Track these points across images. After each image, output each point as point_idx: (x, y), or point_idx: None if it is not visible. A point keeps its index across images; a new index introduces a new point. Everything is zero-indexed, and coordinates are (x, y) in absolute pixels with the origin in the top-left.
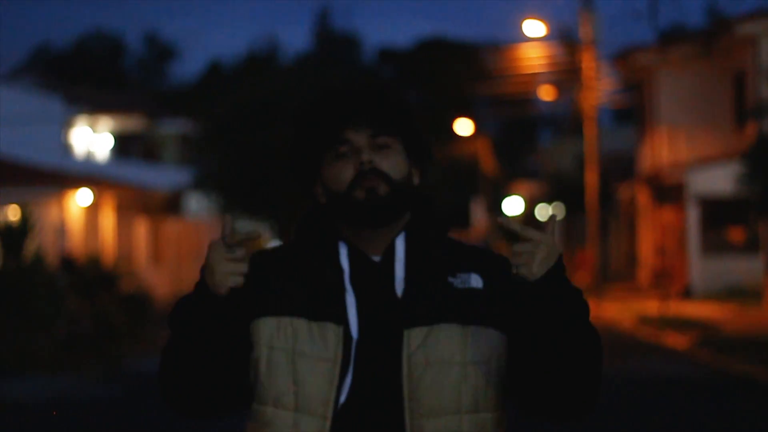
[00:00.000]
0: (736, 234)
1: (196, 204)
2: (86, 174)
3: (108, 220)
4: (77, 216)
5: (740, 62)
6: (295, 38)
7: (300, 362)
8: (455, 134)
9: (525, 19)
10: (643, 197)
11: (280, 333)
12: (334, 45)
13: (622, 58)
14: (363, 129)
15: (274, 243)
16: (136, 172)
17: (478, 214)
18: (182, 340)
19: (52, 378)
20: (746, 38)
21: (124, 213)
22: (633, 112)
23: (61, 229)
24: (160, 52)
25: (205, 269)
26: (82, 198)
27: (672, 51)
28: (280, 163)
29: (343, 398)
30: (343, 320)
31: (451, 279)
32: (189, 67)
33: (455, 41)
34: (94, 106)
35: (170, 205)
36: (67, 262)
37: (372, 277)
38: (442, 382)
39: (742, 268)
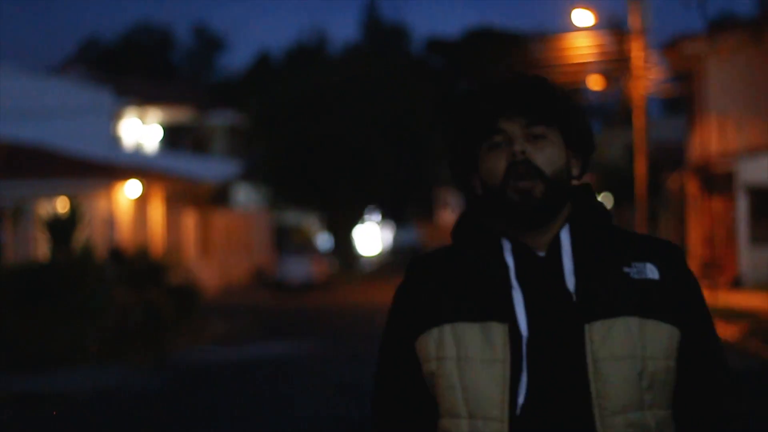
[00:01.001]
0: None
1: (245, 195)
2: (135, 166)
3: (157, 211)
4: (126, 208)
5: None
6: (344, 29)
7: (467, 368)
8: None
9: (574, 8)
10: (692, 187)
11: (444, 342)
12: (382, 36)
13: (671, 47)
14: (517, 118)
15: (321, 234)
16: (184, 164)
17: None
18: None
19: (101, 369)
20: None
21: (172, 204)
22: (682, 102)
23: (110, 221)
24: (209, 43)
25: None
26: (130, 190)
27: (721, 39)
28: (328, 155)
29: (521, 400)
30: (509, 318)
31: (626, 269)
32: (237, 58)
33: (503, 31)
34: (143, 98)
35: (219, 196)
36: (116, 254)
37: (539, 273)
38: (628, 378)
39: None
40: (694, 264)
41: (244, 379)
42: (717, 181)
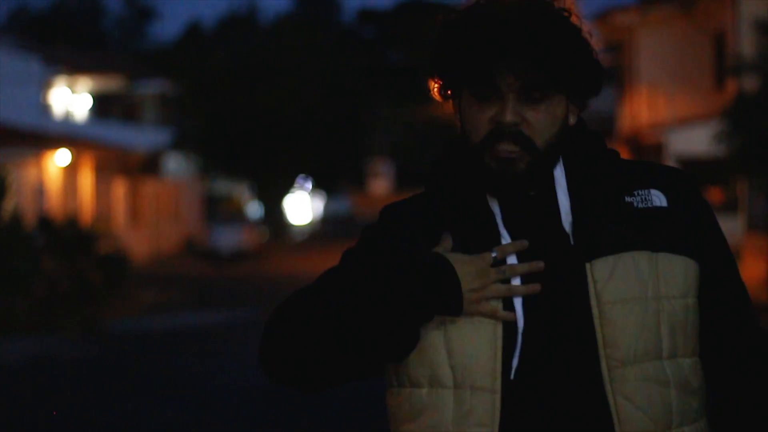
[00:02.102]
0: (714, 194)
1: (175, 164)
2: (65, 134)
3: (86, 180)
4: (55, 176)
5: (720, 22)
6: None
7: (452, 328)
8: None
9: None
10: (622, 157)
11: None
12: (313, 6)
13: (602, 18)
14: (515, 76)
15: (252, 204)
16: (115, 133)
17: None
18: (344, 328)
19: (32, 338)
20: None
21: (102, 173)
22: (613, 73)
23: (39, 190)
24: (140, 12)
25: (449, 288)
26: (60, 158)
27: (652, 11)
28: (259, 124)
29: (515, 362)
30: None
31: (629, 198)
32: (169, 27)
33: (436, 2)
34: (73, 66)
35: (149, 165)
36: (45, 223)
37: (531, 215)
38: (640, 322)
39: (721, 228)
40: None
41: (175, 348)
42: (647, 151)
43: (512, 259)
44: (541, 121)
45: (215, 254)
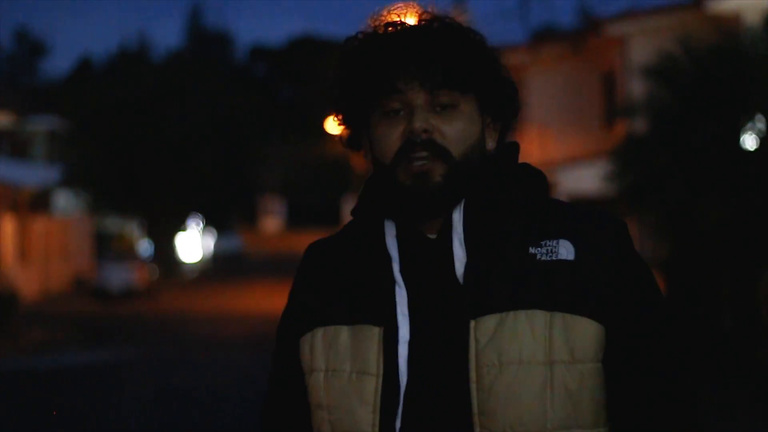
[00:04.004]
0: None
1: (65, 201)
2: None
3: None
4: None
5: (609, 62)
6: (168, 36)
7: (334, 382)
8: (327, 132)
9: None
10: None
11: (315, 350)
12: (206, 42)
13: None
14: (421, 84)
15: (143, 241)
16: (3, 169)
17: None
18: None
19: None
20: (615, 38)
21: None
22: None
23: None
24: (31, 47)
25: None
26: None
27: (542, 50)
28: (148, 161)
29: (398, 424)
30: (384, 319)
31: (533, 249)
32: (59, 63)
33: (326, 39)
34: None
35: (39, 202)
36: None
37: (428, 261)
38: (522, 389)
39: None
40: None
41: (62, 387)
42: None
43: (403, 310)
44: (455, 129)
45: (105, 292)
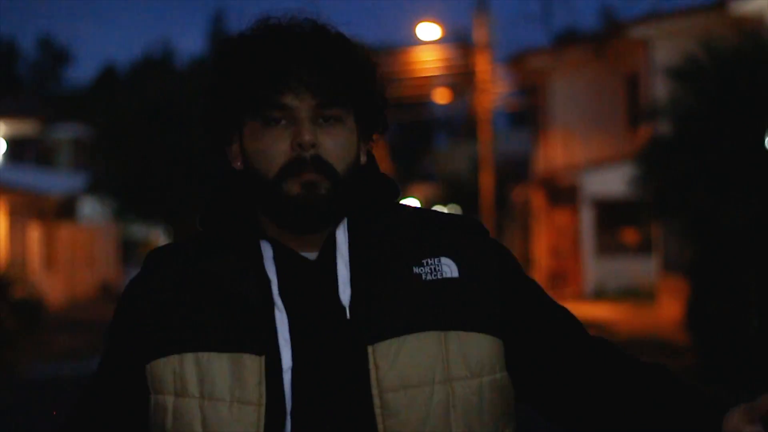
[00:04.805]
0: (629, 235)
1: (91, 209)
2: None
3: (0, 225)
4: None
5: (633, 65)
6: (191, 43)
7: (212, 411)
8: None
9: (419, 21)
10: (537, 199)
11: (185, 375)
12: None
13: (516, 61)
14: (307, 95)
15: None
16: (29, 177)
17: None
18: None
19: None
20: (639, 41)
21: (16, 218)
22: (528, 115)
23: None
24: (55, 56)
25: None
26: None
27: (565, 54)
28: (175, 168)
29: None
30: (265, 347)
31: (417, 269)
32: (84, 71)
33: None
34: None
35: (64, 210)
36: None
37: (309, 283)
38: (426, 410)
39: (635, 269)
40: (540, 276)
41: None
42: (562, 193)
43: (284, 337)
44: (339, 144)
45: None
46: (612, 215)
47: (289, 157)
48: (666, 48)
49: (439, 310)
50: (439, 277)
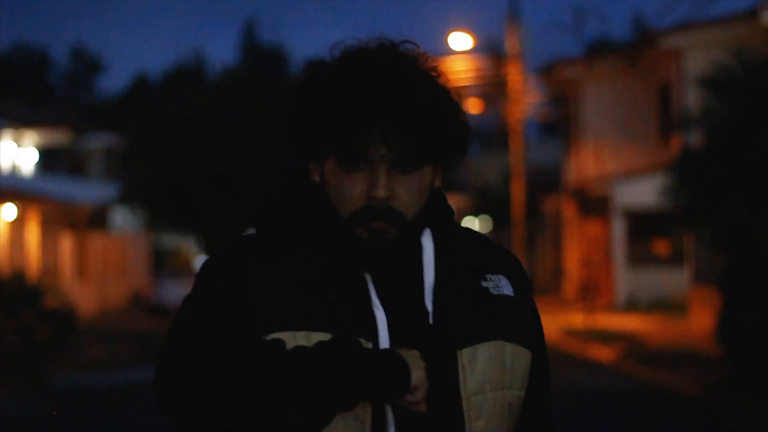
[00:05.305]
0: (661, 246)
1: (122, 218)
2: (11, 189)
3: (33, 234)
4: (2, 231)
5: (665, 75)
6: (223, 52)
7: None
8: None
9: (451, 31)
10: (569, 210)
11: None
12: (261, 58)
13: (548, 72)
14: (391, 150)
15: (199, 257)
16: (61, 187)
17: None
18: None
19: None
20: (671, 51)
21: (49, 228)
22: (559, 126)
23: None
24: (87, 65)
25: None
26: (6, 213)
27: (597, 64)
28: (205, 177)
29: None
30: (373, 338)
31: (484, 283)
32: (116, 81)
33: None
34: (19, 120)
35: (96, 219)
36: None
37: (397, 286)
38: (498, 414)
39: (667, 281)
40: (571, 287)
41: (124, 404)
42: (593, 204)
43: (384, 334)
44: (412, 193)
45: (162, 308)
46: (643, 226)
47: (362, 204)
48: (698, 58)
49: (503, 322)
50: (500, 293)
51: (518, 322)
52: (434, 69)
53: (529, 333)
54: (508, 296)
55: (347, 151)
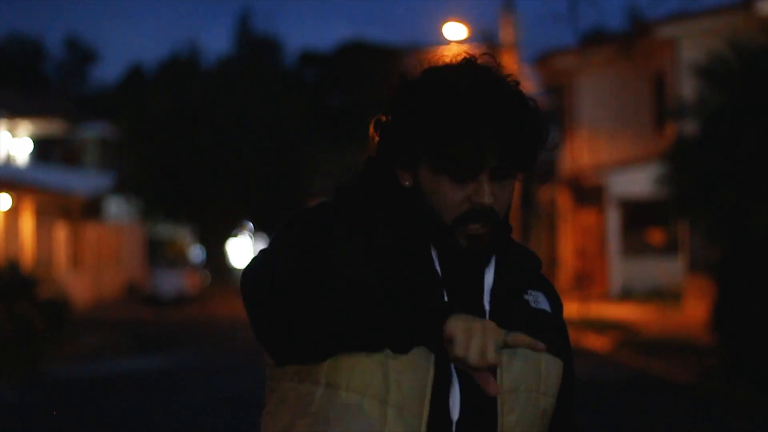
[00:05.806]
0: (655, 236)
1: (117, 208)
2: (5, 179)
3: (27, 224)
4: None
5: (660, 64)
6: (217, 42)
7: (392, 362)
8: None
9: (446, 21)
10: (563, 199)
11: None
12: (256, 48)
13: (542, 61)
14: (494, 161)
15: (194, 248)
16: (56, 177)
17: None
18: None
19: None
20: (666, 40)
21: (43, 217)
22: (554, 115)
23: None
24: (81, 55)
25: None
26: (1, 203)
27: (592, 54)
28: (200, 167)
29: (455, 416)
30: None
31: (526, 296)
32: (110, 71)
33: (376, 44)
34: (14, 110)
35: (90, 209)
36: None
37: (466, 289)
38: (530, 415)
39: (661, 270)
40: (566, 276)
41: (118, 393)
42: (588, 193)
43: None
44: (506, 197)
45: (157, 298)
46: (638, 215)
47: (464, 209)
48: (693, 48)
49: (540, 333)
50: (539, 307)
51: (553, 335)
52: (518, 81)
53: (561, 347)
54: (545, 311)
55: (457, 162)
